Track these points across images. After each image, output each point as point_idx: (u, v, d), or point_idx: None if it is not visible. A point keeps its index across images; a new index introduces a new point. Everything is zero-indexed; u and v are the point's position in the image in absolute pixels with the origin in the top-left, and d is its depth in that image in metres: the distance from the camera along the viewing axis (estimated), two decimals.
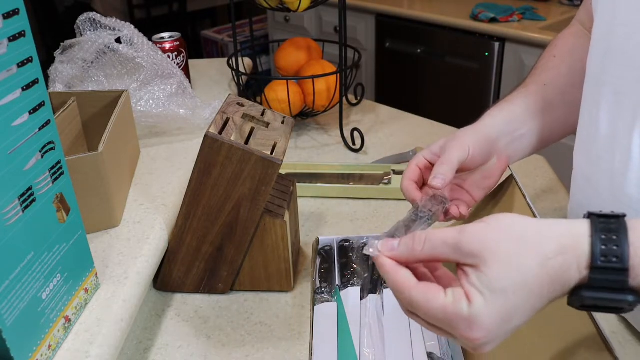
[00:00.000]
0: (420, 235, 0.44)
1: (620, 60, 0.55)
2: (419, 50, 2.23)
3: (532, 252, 0.40)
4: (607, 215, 0.40)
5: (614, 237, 0.39)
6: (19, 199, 0.46)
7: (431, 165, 0.63)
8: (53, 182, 0.52)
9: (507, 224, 0.42)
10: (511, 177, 0.68)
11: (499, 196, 0.70)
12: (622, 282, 0.38)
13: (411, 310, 0.44)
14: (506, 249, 0.40)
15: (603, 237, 0.39)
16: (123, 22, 0.96)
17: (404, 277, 0.44)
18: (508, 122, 0.66)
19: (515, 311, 0.40)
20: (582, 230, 0.40)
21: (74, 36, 0.96)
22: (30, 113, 0.48)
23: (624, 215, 0.40)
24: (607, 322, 0.66)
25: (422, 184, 0.65)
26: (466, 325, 0.40)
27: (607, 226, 0.39)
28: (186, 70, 1.14)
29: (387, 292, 0.68)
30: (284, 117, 0.74)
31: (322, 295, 0.70)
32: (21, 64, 0.46)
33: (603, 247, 0.39)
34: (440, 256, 0.42)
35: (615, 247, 0.38)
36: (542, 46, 1.37)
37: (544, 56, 0.73)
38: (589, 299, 0.39)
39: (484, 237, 0.41)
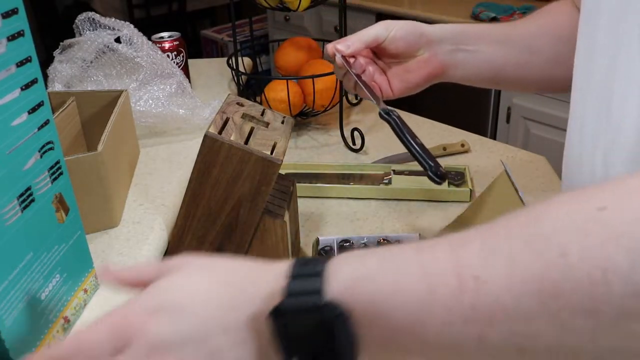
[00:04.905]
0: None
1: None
2: None
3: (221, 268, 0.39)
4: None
5: (312, 263, 0.35)
6: (18, 199, 0.46)
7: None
8: (52, 182, 0.51)
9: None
10: (504, 174, 0.68)
11: (492, 190, 0.70)
12: (320, 276, 0.33)
13: None
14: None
15: (302, 263, 0.36)
16: (122, 22, 0.96)
17: None
18: (457, 33, 0.66)
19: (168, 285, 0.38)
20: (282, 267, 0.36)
21: (73, 36, 0.96)
22: (29, 113, 0.48)
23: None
24: None
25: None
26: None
27: (306, 261, 0.36)
28: (186, 70, 1.14)
29: None
30: (284, 117, 0.73)
31: None
32: (20, 64, 0.46)
33: (303, 265, 0.35)
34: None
35: (313, 265, 0.35)
36: None
37: (530, 18, 0.73)
38: (283, 311, 0.33)
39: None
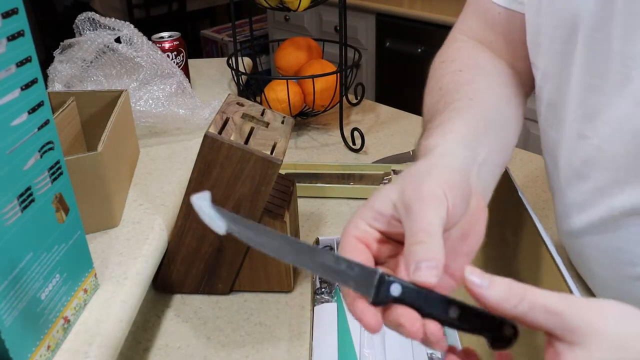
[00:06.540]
0: (518, 290, 0.35)
1: None
2: (419, 50, 2.22)
3: None
4: None
5: None
6: (18, 199, 0.46)
7: (383, 237, 0.41)
8: (52, 182, 0.51)
9: (619, 307, 0.35)
10: (504, 173, 0.67)
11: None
12: None
13: None
14: (618, 335, 0.34)
15: None
16: (122, 22, 0.96)
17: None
18: (464, 144, 0.47)
19: None
20: None
21: (73, 36, 0.96)
22: (29, 113, 0.47)
23: None
24: None
25: (375, 262, 0.41)
26: None
27: None
28: (186, 70, 1.13)
29: None
30: (284, 117, 0.73)
31: (322, 295, 0.70)
32: (20, 64, 0.46)
33: None
34: (532, 320, 0.35)
35: None
36: None
37: (444, 73, 0.60)
38: None
39: (594, 314, 0.34)
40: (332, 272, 0.36)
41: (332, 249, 0.78)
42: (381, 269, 0.36)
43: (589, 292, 0.69)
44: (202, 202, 0.35)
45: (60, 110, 0.76)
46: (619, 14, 0.50)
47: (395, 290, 0.36)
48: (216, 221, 0.35)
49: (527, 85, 0.65)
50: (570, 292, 0.52)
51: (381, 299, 0.36)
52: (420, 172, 0.41)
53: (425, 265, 0.35)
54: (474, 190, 0.43)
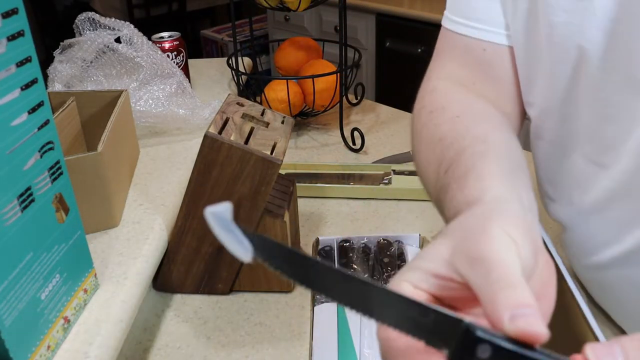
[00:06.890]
0: None
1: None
2: (419, 50, 2.22)
3: None
4: None
5: None
6: (18, 199, 0.46)
7: (433, 298, 0.34)
8: (52, 182, 0.51)
9: None
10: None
11: None
12: None
13: None
14: None
15: None
16: (122, 22, 0.96)
17: None
18: (509, 188, 0.41)
19: None
20: None
21: (73, 36, 0.96)
22: (29, 113, 0.47)
23: None
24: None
25: None
26: None
27: None
28: (186, 70, 1.13)
29: None
30: (284, 117, 0.73)
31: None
32: (20, 64, 0.46)
33: None
34: None
35: None
36: None
37: (439, 122, 0.55)
38: None
39: None
40: (398, 317, 0.28)
41: (332, 249, 0.78)
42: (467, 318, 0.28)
43: (613, 324, 0.65)
44: (219, 217, 0.27)
45: (60, 110, 0.76)
46: (625, 39, 0.47)
47: (485, 349, 0.26)
48: (240, 244, 0.27)
49: (515, 127, 0.63)
50: (589, 327, 0.48)
51: (463, 357, 0.27)
52: (477, 220, 0.35)
53: (524, 312, 0.27)
54: (540, 243, 0.36)
